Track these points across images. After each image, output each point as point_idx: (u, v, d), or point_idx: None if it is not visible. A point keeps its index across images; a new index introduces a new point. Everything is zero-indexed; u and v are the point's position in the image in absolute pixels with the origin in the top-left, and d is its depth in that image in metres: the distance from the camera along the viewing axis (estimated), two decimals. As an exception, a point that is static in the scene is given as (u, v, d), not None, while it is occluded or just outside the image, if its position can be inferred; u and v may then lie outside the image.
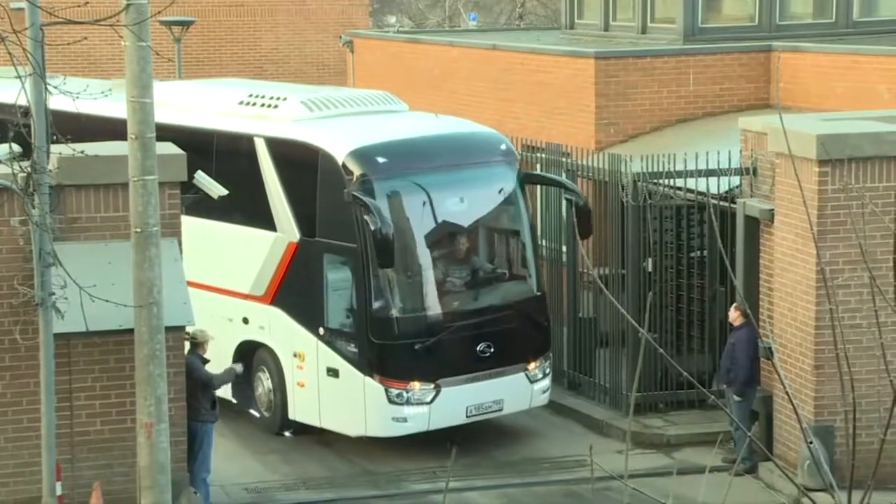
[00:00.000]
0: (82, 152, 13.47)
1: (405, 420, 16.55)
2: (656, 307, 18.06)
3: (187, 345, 15.23)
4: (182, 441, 14.50)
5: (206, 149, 18.14)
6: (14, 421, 14.24)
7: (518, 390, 17.21)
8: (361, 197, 16.13)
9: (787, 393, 16.08)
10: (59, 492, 13.64)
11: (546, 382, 17.65)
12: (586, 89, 22.21)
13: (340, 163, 16.61)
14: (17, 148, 14.31)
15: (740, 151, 17.54)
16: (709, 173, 17.68)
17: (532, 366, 17.40)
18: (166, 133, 17.92)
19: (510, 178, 17.60)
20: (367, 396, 16.52)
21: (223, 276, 18.20)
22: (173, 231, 14.33)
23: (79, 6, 10.78)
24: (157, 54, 12.55)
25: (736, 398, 16.41)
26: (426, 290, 16.92)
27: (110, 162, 13.93)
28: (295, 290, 17.29)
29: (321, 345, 16.91)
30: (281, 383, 17.53)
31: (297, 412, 17.42)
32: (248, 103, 18.37)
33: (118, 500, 14.17)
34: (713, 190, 17.61)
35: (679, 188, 18.09)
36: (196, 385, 15.16)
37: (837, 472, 14.86)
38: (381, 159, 16.71)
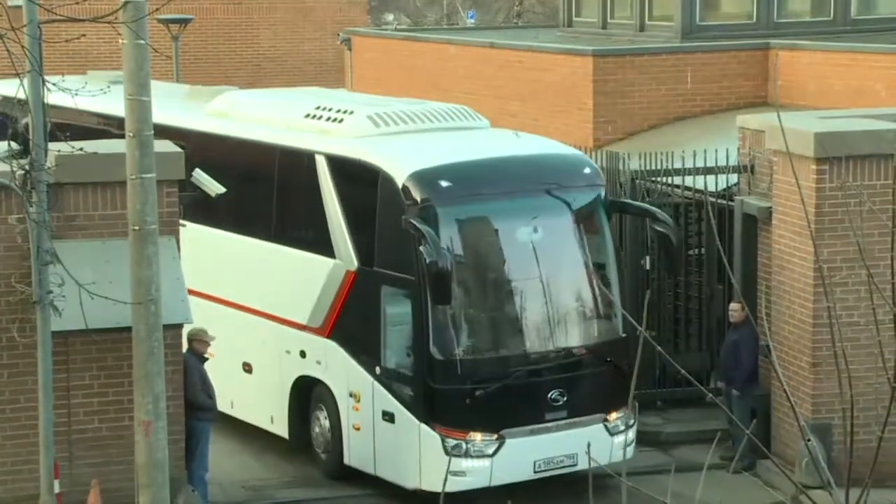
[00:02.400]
0: (81, 150, 13.47)
1: (464, 474, 14.86)
2: (654, 305, 18.06)
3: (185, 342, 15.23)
4: (180, 439, 14.50)
5: (268, 165, 17.19)
6: (12, 419, 14.23)
7: (595, 443, 15.06)
8: (418, 225, 14.59)
9: (785, 391, 16.08)
10: (56, 490, 13.64)
11: (630, 435, 15.78)
12: (584, 87, 22.22)
13: (400, 186, 15.07)
14: (15, 145, 14.30)
15: (738, 149, 17.55)
16: (707, 171, 17.69)
17: (613, 416, 15.58)
18: (228, 147, 17.49)
19: (593, 205, 15.83)
20: (423, 446, 15.01)
21: (281, 303, 16.85)
22: (171, 229, 14.32)
23: (77, 3, 10.77)
24: (156, 51, 12.55)
25: (736, 393, 16.43)
26: (491, 331, 15.47)
27: (108, 160, 13.91)
28: (352, 324, 15.82)
29: (377, 385, 15.42)
30: (337, 424, 16.11)
31: (352, 457, 16.01)
32: (313, 116, 16.91)
33: (116, 497, 14.16)
34: (711, 188, 17.62)
35: (677, 186, 18.10)
36: (194, 383, 15.15)
37: (835, 469, 14.85)
38: (444, 183, 15.13)
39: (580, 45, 23.84)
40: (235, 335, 17.31)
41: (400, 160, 15.44)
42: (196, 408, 15.12)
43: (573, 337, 15.60)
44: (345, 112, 16.59)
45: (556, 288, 15.44)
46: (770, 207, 16.54)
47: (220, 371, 17.13)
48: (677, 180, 18.03)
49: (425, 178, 15.12)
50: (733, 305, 16.74)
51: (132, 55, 12.20)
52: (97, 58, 31.46)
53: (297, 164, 16.73)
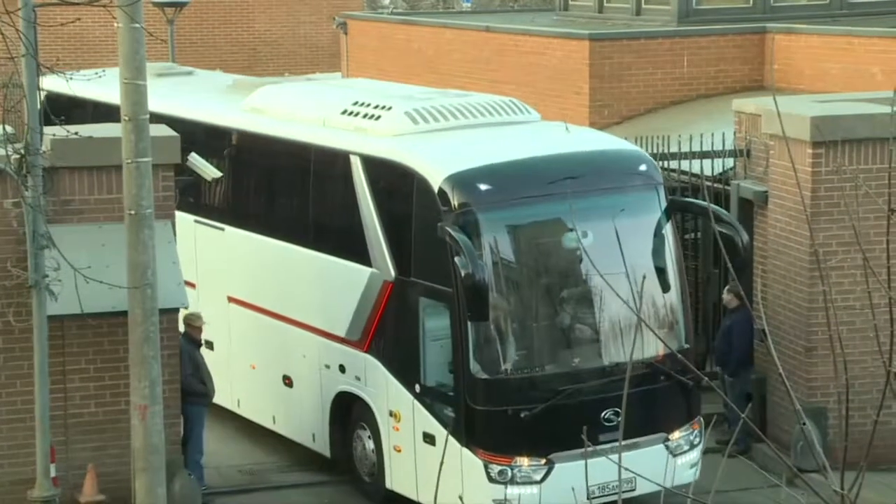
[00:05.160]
0: (76, 134, 13.46)
1: (510, 502, 13.66)
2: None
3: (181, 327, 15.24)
4: (176, 423, 14.52)
5: (303, 165, 16.17)
6: (8, 403, 14.24)
7: (655, 466, 13.66)
8: (454, 234, 13.43)
9: (780, 375, 16.10)
10: (53, 473, 13.66)
11: (694, 455, 14.45)
12: (580, 71, 22.20)
13: (436, 189, 13.94)
14: (9, 129, 14.30)
15: (734, 133, 17.55)
16: (703, 155, 17.68)
17: (675, 435, 14.31)
18: (263, 145, 16.69)
19: (651, 206, 14.48)
20: (465, 471, 13.77)
21: (319, 314, 15.83)
22: (167, 213, 14.31)
23: (71, -13, 10.77)
24: (151, 35, 12.54)
25: (729, 379, 16.47)
26: (537, 346, 14.21)
27: (104, 144, 13.90)
28: (390, 338, 14.78)
29: (417, 405, 14.32)
30: (379, 445, 15.06)
31: (393, 481, 14.87)
32: (350, 113, 15.75)
33: (112, 481, 14.18)
34: (707, 172, 17.60)
35: (673, 170, 18.07)
36: (184, 368, 15.13)
37: (830, 453, 14.91)
38: (483, 186, 13.98)
39: (576, 28, 23.81)
40: (275, 346, 16.53)
41: (436, 161, 14.33)
42: (188, 392, 15.12)
43: (629, 351, 14.14)
44: (383, 108, 15.43)
45: (609, 298, 13.95)
46: (766, 191, 16.54)
47: (261, 384, 16.80)
48: (673, 164, 18.01)
49: (463, 180, 13.95)
50: (725, 294, 16.74)
51: (127, 39, 12.18)
52: (92, 41, 31.41)
53: (333, 164, 15.71)
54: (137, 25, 12.09)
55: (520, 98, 17.47)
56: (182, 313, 15.01)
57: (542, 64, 23.04)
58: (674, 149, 17.95)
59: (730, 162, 17.67)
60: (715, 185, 17.60)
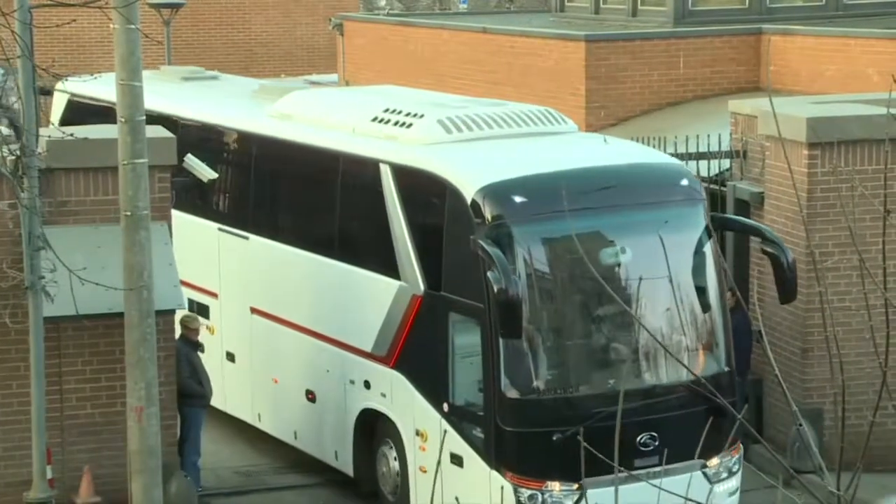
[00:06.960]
0: (72, 135, 13.46)
1: None
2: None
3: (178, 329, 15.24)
4: (172, 425, 14.52)
5: (331, 174, 15.75)
6: (4, 405, 14.24)
7: (692, 493, 12.91)
8: (487, 248, 12.89)
9: (777, 376, 16.12)
10: (49, 475, 13.66)
11: (733, 482, 13.94)
12: (576, 72, 22.20)
13: (469, 201, 13.42)
14: (6, 131, 14.29)
15: (730, 135, 17.56)
16: (699, 156, 17.69)
17: (713, 462, 13.72)
18: (290, 153, 16.32)
19: (692, 222, 13.98)
20: (493, 495, 13.33)
21: (344, 327, 15.40)
22: (163, 215, 14.31)
23: (67, -11, 10.77)
24: (147, 37, 12.54)
25: (737, 379, 16.45)
26: (570, 366, 13.75)
27: (100, 145, 13.90)
28: (418, 354, 14.28)
29: (445, 424, 13.81)
30: (404, 465, 14.60)
31: (418, 502, 14.49)
32: (381, 120, 15.28)
33: (108, 483, 14.18)
34: (703, 173, 17.60)
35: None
36: (181, 370, 15.14)
37: (826, 454, 14.90)
38: (518, 198, 13.46)
39: (572, 30, 23.82)
40: (299, 360, 16.18)
41: (469, 172, 13.84)
42: (185, 394, 15.13)
43: (666, 373, 13.80)
44: (415, 115, 15.00)
45: (647, 317, 13.61)
46: (762, 192, 16.56)
47: (283, 398, 16.51)
48: (669, 165, 18.01)
49: (497, 192, 13.45)
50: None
51: (123, 40, 12.18)
52: (88, 43, 31.40)
53: (362, 173, 15.28)
54: (133, 27, 12.09)
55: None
56: (178, 315, 15.02)
57: (539, 65, 23.05)
58: (670, 150, 17.95)
59: (726, 163, 17.69)
60: (711, 186, 17.61)
